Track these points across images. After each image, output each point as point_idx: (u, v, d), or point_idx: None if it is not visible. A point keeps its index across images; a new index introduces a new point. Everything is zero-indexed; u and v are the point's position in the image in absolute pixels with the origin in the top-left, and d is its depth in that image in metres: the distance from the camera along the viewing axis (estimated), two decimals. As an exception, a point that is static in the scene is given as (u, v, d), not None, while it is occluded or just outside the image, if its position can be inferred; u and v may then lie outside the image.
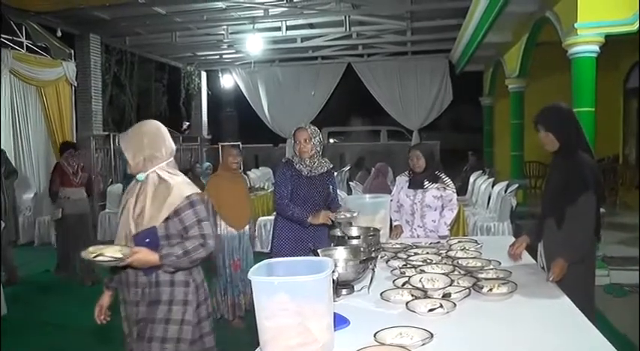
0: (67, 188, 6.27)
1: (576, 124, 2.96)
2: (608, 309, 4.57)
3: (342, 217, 3.45)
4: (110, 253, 2.11)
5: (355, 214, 3.56)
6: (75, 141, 9.88)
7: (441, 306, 2.26)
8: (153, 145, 2.32)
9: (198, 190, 2.32)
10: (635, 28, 5.25)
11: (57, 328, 4.81)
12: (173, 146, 2.41)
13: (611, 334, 2.98)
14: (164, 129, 2.43)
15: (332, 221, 3.47)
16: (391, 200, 4.29)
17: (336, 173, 10.59)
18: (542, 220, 3.04)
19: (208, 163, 10.21)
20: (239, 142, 13.92)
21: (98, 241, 8.98)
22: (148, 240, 2.21)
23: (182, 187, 2.28)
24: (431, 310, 2.25)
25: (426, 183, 4.10)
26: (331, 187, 3.74)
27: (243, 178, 5.02)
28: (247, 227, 4.72)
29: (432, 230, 4.08)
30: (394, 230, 4.13)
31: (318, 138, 3.63)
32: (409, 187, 4.17)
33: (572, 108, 5.58)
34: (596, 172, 2.87)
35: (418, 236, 4.06)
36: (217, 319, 4.67)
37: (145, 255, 2.16)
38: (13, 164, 8.26)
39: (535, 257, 3.19)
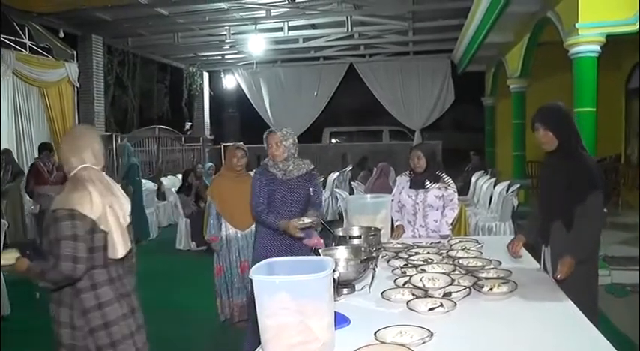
0: (44, 186, 6.74)
1: (574, 123, 2.98)
2: (609, 309, 4.57)
3: (301, 222, 3.34)
4: (4, 258, 2.07)
5: (311, 220, 3.39)
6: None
7: (442, 305, 2.28)
8: (71, 150, 2.25)
9: (73, 206, 2.12)
10: (635, 28, 5.25)
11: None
12: (95, 152, 2.29)
13: (612, 334, 3.00)
14: (88, 134, 2.33)
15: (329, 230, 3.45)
16: (392, 200, 4.30)
17: (337, 174, 10.63)
18: (546, 223, 3.00)
19: (210, 164, 10.23)
20: (241, 142, 13.96)
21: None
22: (27, 252, 2.16)
23: (56, 201, 2.15)
24: (431, 309, 2.27)
25: (427, 183, 4.10)
26: (311, 189, 3.63)
27: (249, 178, 4.91)
28: (254, 227, 4.51)
29: (434, 230, 4.08)
30: (396, 230, 4.14)
31: (290, 140, 3.55)
32: (410, 188, 4.17)
33: (574, 108, 5.63)
34: (599, 170, 2.88)
35: (420, 236, 4.08)
36: (222, 322, 4.68)
37: (20, 265, 2.12)
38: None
39: (537, 259, 3.18)
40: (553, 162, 2.97)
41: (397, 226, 4.18)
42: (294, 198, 3.56)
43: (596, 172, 2.82)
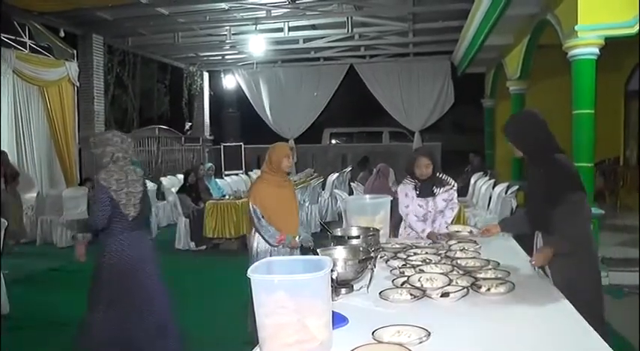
0: None
1: (540, 130, 2.90)
2: (606, 310, 4.57)
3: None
4: None
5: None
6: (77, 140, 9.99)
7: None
8: None
9: None
10: (634, 30, 5.26)
11: (59, 327, 4.83)
12: None
13: (610, 336, 3.00)
14: None
15: None
16: (406, 207, 4.13)
17: (337, 174, 10.59)
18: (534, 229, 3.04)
19: (210, 164, 10.25)
20: (241, 143, 13.95)
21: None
22: None
23: None
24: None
25: (435, 189, 4.04)
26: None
27: (291, 183, 4.39)
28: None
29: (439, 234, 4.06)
30: (431, 235, 3.92)
31: (99, 149, 3.51)
32: (419, 196, 4.06)
33: (573, 110, 5.64)
34: (570, 168, 2.86)
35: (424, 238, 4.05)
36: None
37: None
38: (16, 164, 8.33)
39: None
40: (530, 168, 3.03)
41: (431, 233, 3.97)
42: None
43: (571, 173, 2.82)
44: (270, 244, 3.89)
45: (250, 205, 3.86)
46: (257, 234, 3.96)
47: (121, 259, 3.49)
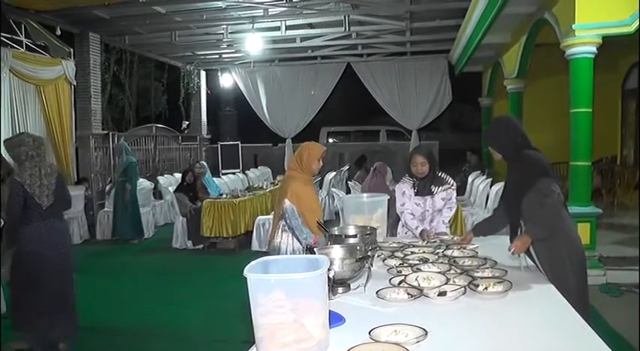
0: None
1: (512, 132, 3.12)
2: (604, 308, 4.59)
3: None
4: None
5: None
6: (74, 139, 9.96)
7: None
8: None
9: None
10: (632, 29, 5.27)
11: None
12: None
13: (607, 334, 3.00)
14: None
15: None
16: (402, 205, 4.12)
17: (334, 173, 10.55)
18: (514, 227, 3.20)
19: (202, 162, 10.23)
20: (238, 141, 13.94)
21: (98, 239, 9.01)
22: None
23: None
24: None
25: (433, 188, 4.02)
26: None
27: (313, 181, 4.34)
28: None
29: (436, 233, 4.04)
30: (426, 235, 3.85)
31: (14, 151, 4.03)
32: (416, 195, 4.05)
33: (571, 109, 5.66)
34: (538, 159, 2.99)
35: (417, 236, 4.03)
36: None
37: None
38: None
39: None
40: (508, 169, 3.24)
41: (423, 231, 3.94)
42: None
43: (538, 163, 2.96)
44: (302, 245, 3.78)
45: (288, 204, 3.73)
46: (287, 233, 3.82)
47: (39, 244, 3.95)
